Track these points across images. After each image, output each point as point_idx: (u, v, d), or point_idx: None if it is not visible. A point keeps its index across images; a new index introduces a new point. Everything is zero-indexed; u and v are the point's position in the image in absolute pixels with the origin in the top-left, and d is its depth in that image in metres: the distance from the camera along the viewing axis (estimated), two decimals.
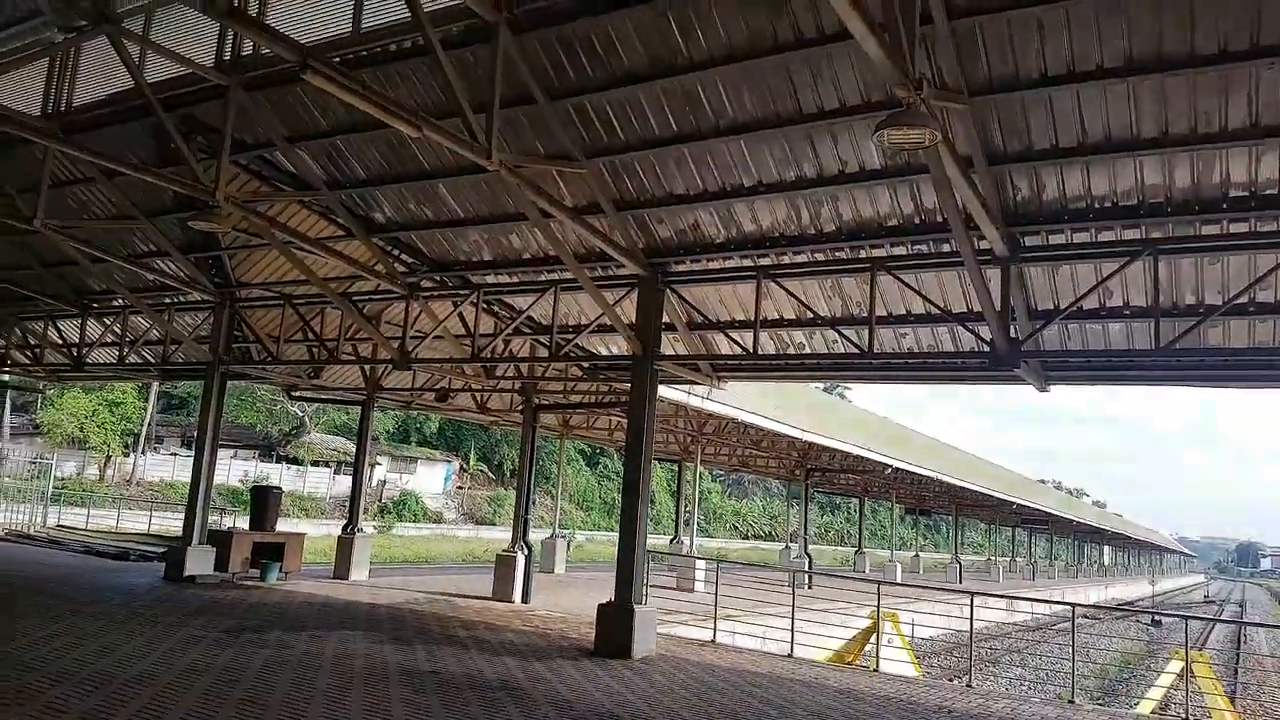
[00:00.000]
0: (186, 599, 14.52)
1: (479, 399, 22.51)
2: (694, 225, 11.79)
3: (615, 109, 10.36)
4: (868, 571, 38.31)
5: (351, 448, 40.10)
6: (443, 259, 14.41)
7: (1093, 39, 7.92)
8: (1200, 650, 23.95)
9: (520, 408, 20.18)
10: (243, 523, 22.64)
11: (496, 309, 15.66)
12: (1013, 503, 48.56)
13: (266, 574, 17.99)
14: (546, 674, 10.45)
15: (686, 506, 33.00)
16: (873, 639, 15.93)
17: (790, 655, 13.86)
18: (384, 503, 50.18)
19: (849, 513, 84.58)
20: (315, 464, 51.23)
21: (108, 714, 7.15)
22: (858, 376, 15.37)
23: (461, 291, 14.82)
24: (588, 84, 10.09)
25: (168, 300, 18.92)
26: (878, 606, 15.41)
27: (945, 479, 37.71)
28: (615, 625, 12.23)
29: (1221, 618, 49.23)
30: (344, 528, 20.90)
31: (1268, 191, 8.82)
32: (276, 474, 45.82)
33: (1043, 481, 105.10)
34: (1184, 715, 11.77)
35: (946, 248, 10.65)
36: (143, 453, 46.65)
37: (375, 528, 41.17)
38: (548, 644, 12.81)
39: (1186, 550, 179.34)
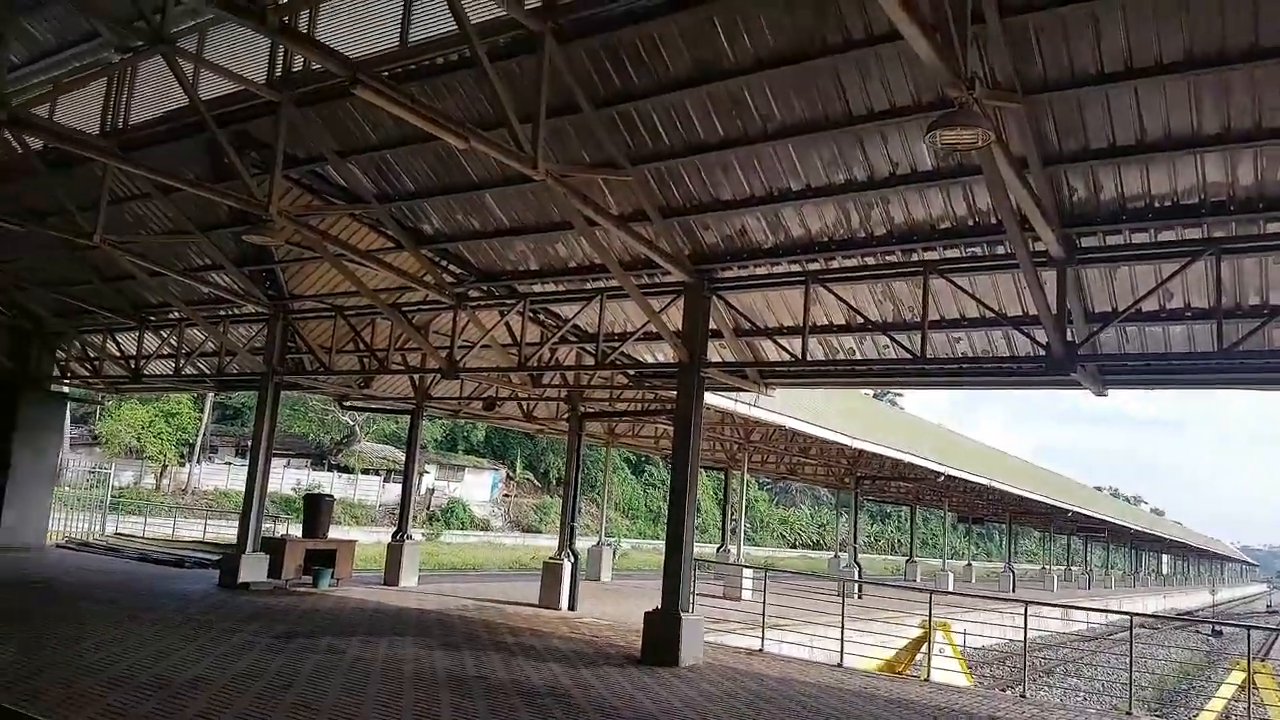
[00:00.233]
0: (241, 605, 14.72)
1: (525, 407, 22.61)
2: (741, 231, 11.73)
3: (661, 115, 10.35)
4: (919, 581, 37.79)
5: (400, 456, 40.49)
6: (490, 269, 14.50)
7: (1151, 34, 7.74)
8: (1263, 661, 23.20)
9: (566, 416, 20.23)
10: (295, 530, 22.87)
11: (543, 318, 15.71)
12: (1068, 510, 47.57)
13: (319, 580, 18.21)
14: (593, 681, 10.43)
15: (733, 515, 32.83)
16: (924, 648, 15.68)
17: (840, 665, 13.68)
18: (432, 510, 50.57)
19: (899, 521, 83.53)
20: (365, 472, 51.83)
21: (164, 718, 7.26)
22: (909, 382, 15.19)
23: (508, 301, 14.89)
24: (633, 91, 10.10)
25: (222, 313, 19.28)
26: (929, 615, 15.16)
27: (999, 486, 37.07)
28: (662, 633, 12.16)
29: None
30: (393, 535, 21.11)
31: None
32: (328, 482, 46.40)
33: (1099, 488, 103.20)
34: None
35: (1001, 250, 10.47)
36: (198, 462, 47.53)
37: (424, 535, 41.47)
38: (594, 651, 12.79)
39: (1249, 559, 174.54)
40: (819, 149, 10.08)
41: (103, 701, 7.60)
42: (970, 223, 10.33)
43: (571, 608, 17.93)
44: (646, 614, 12.55)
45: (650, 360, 15.90)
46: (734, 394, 16.12)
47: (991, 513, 50.46)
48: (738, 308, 13.13)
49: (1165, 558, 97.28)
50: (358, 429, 53.18)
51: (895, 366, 13.05)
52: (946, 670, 15.42)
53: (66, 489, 31.34)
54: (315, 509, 20.47)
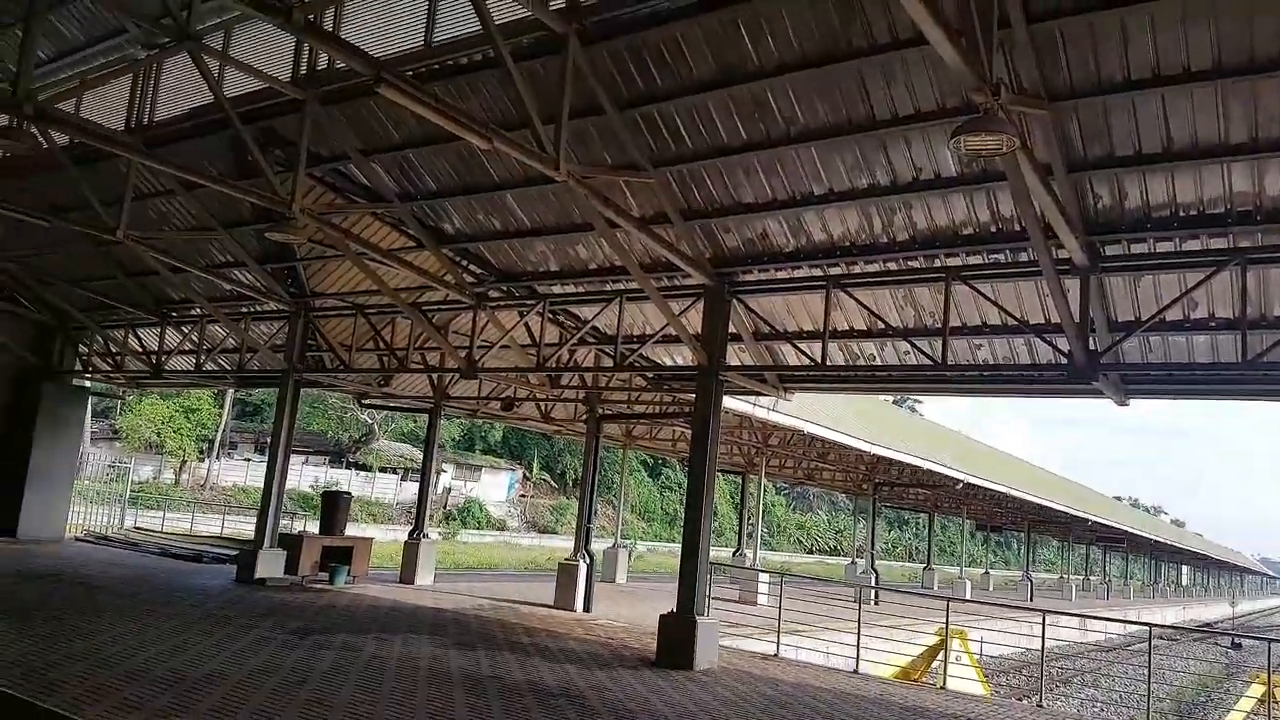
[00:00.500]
0: (257, 601, 14.80)
1: (543, 408, 22.63)
2: (762, 234, 11.69)
3: (684, 118, 10.33)
4: (936, 588, 37.57)
5: (418, 455, 40.62)
6: (510, 269, 14.52)
7: (1179, 41, 7.65)
8: None
9: (584, 417, 20.23)
10: (313, 527, 23.00)
11: (562, 319, 15.72)
12: (1087, 520, 47.21)
13: (335, 577, 18.29)
14: (608, 683, 10.41)
15: (750, 519, 32.74)
16: (940, 656, 15.59)
17: (855, 671, 13.63)
18: (449, 509, 50.70)
19: (917, 528, 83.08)
20: (383, 470, 52.01)
21: (179, 711, 7.29)
22: (930, 389, 15.07)
23: (528, 301, 14.91)
24: (656, 93, 10.09)
25: (244, 310, 19.40)
26: (946, 623, 15.06)
27: (1019, 494, 36.81)
28: (677, 636, 12.13)
29: None
30: (410, 533, 21.16)
31: None
32: (346, 480, 46.59)
33: (1118, 498, 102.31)
34: None
35: (1024, 257, 10.39)
36: (217, 458, 47.86)
37: (440, 534, 41.60)
38: (609, 653, 12.77)
39: (1270, 571, 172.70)
40: (842, 153, 10.03)
41: (120, 694, 7.65)
42: (993, 229, 10.26)
43: (587, 609, 17.93)
44: (662, 617, 12.53)
45: (669, 363, 15.89)
46: (752, 398, 16.07)
47: (1010, 521, 50.10)
48: (758, 311, 13.07)
49: (1185, 569, 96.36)
50: (376, 427, 53.39)
51: (916, 373, 12.95)
52: (963, 679, 15.34)
53: (86, 483, 31.66)
54: (333, 506, 20.58)
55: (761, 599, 22.03)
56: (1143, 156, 8.72)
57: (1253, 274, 9.53)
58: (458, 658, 11.12)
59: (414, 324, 16.31)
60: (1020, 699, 20.34)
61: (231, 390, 44.98)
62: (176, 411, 43.93)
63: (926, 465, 28.18)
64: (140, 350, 22.01)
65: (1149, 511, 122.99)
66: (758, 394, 14.61)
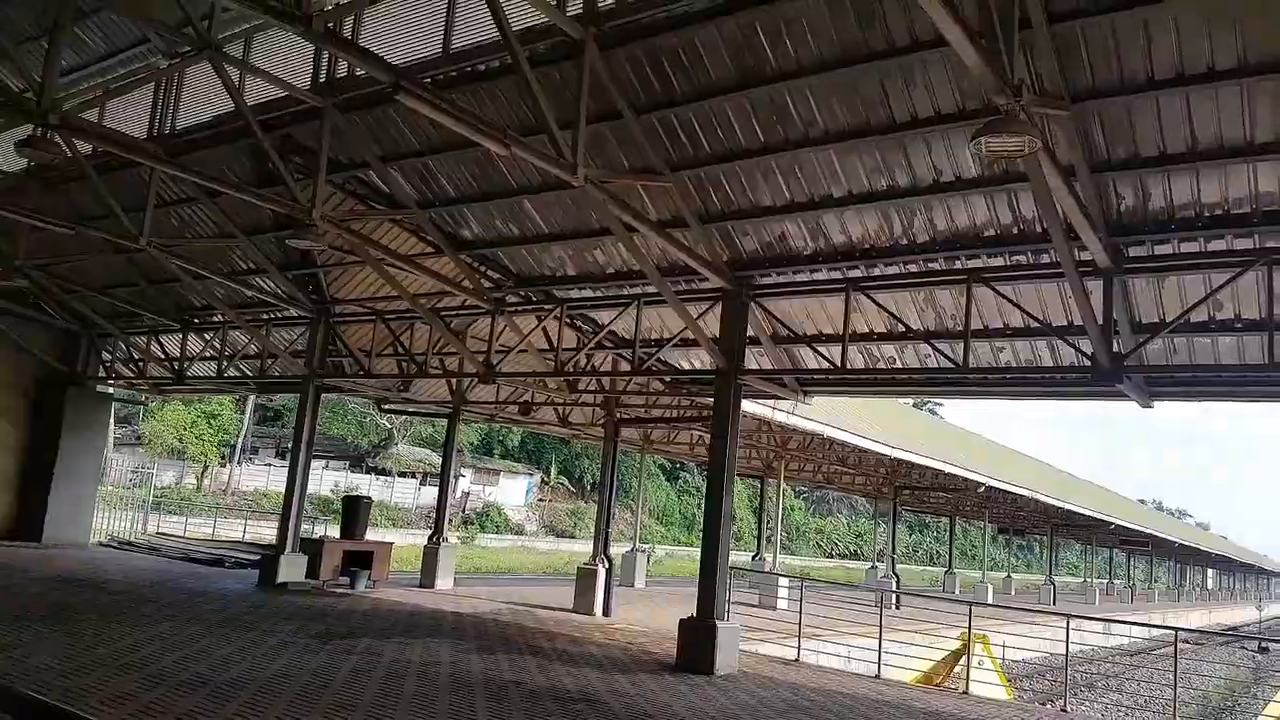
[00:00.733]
0: (279, 605, 14.87)
1: (561, 413, 22.65)
2: (780, 237, 11.65)
3: (701, 122, 10.31)
4: (958, 592, 37.33)
5: (437, 460, 40.73)
6: (528, 274, 14.54)
7: (1203, 40, 7.56)
8: None
9: (602, 421, 20.24)
10: (334, 531, 23.12)
11: (580, 323, 15.72)
12: (1111, 523, 46.80)
13: (356, 582, 18.33)
14: (628, 687, 10.40)
15: (769, 523, 32.65)
16: (962, 661, 15.48)
17: (877, 676, 13.55)
18: (467, 514, 50.80)
19: (938, 532, 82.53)
20: (402, 475, 52.19)
21: (203, 716, 7.32)
22: (951, 392, 15.00)
23: (545, 306, 14.93)
24: (674, 97, 10.08)
25: (265, 316, 19.54)
26: (968, 628, 14.96)
27: (1041, 498, 36.52)
28: (697, 640, 12.09)
29: None
30: (430, 537, 21.25)
31: None
32: (366, 484, 46.77)
33: (1142, 501, 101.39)
34: None
35: (1046, 259, 10.28)
36: (239, 463, 48.20)
37: (459, 538, 41.70)
38: (629, 657, 12.75)
39: None
40: (861, 155, 9.98)
41: (143, 699, 7.68)
42: (1015, 231, 10.16)
43: (606, 613, 17.92)
44: (681, 621, 12.49)
45: (687, 367, 15.86)
46: (771, 401, 16.02)
47: (1032, 525, 49.72)
48: (776, 315, 13.04)
49: (1210, 572, 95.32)
50: (395, 432, 53.61)
51: (937, 376, 12.84)
52: (986, 683, 15.22)
53: (110, 488, 31.92)
54: (353, 510, 20.65)
55: (781, 604, 21.98)
56: (1167, 157, 8.62)
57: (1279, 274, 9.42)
58: (478, 662, 11.13)
59: (433, 329, 16.37)
60: (1044, 704, 20.17)
61: (253, 396, 45.24)
62: (198, 417, 44.26)
63: (948, 469, 28.02)
64: (163, 356, 22.24)
65: (1173, 515, 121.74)
66: (776, 398, 14.55)
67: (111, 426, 43.34)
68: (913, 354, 13.20)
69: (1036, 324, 11.15)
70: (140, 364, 22.99)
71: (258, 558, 20.15)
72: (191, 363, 21.35)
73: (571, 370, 15.38)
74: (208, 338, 21.26)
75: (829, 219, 11.01)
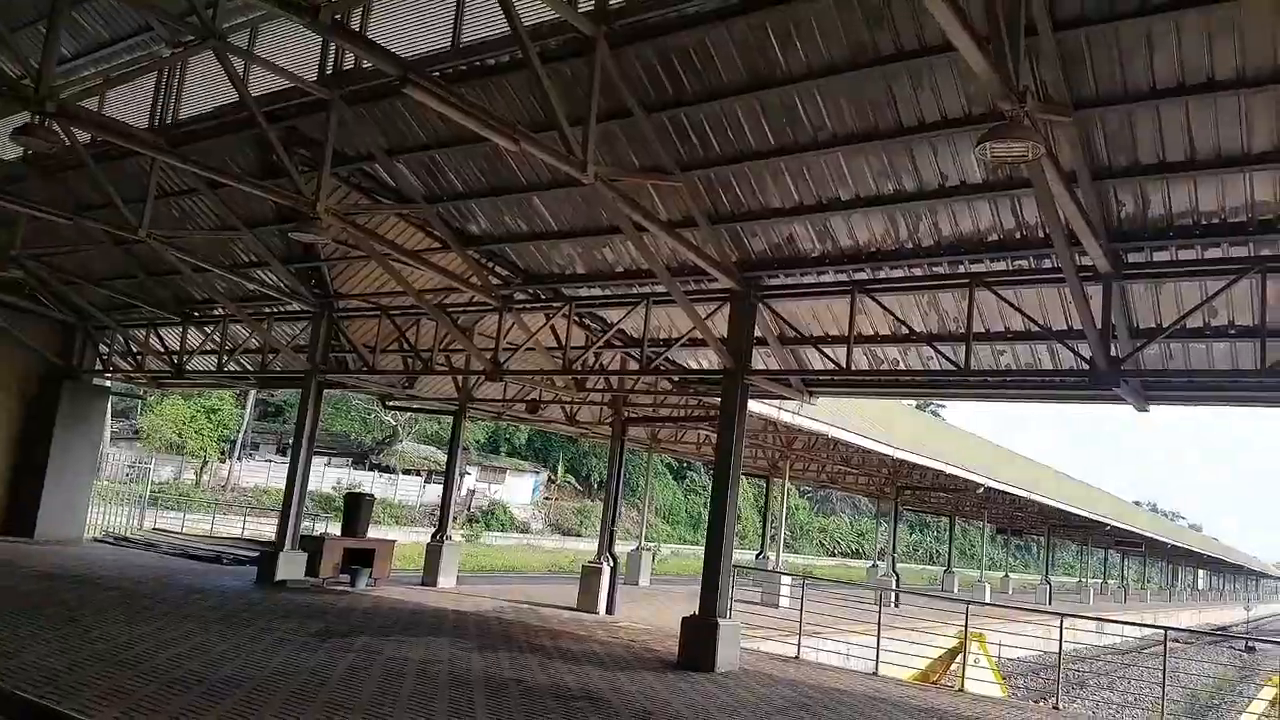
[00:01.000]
0: (277, 602, 14.82)
1: (569, 411, 22.58)
2: (789, 239, 11.64)
3: (712, 122, 10.29)
4: (956, 591, 37.38)
5: (442, 457, 40.72)
6: (536, 272, 14.50)
7: (1204, 51, 7.63)
8: None
9: (609, 420, 20.21)
10: (335, 529, 23.08)
11: (588, 322, 15.69)
12: (1105, 524, 47.02)
13: (356, 579, 18.26)
14: (629, 685, 10.41)
15: (773, 522, 32.67)
16: (958, 659, 15.56)
17: (875, 673, 13.66)
18: (473, 512, 50.72)
19: (938, 531, 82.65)
20: (407, 472, 52.10)
21: (199, 713, 7.28)
22: (953, 394, 15.03)
23: (554, 304, 14.89)
24: (684, 97, 10.06)
25: (267, 310, 19.41)
26: (965, 626, 15.02)
27: (1039, 499, 36.61)
28: (699, 638, 12.12)
29: None
30: (433, 535, 21.21)
31: None
32: (368, 481, 46.63)
33: (1137, 503, 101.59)
34: None
35: (1048, 263, 10.36)
36: (238, 458, 48.11)
37: (464, 536, 41.69)
38: (631, 655, 12.76)
39: None
40: (869, 158, 9.99)
41: (138, 696, 7.62)
42: (1018, 236, 10.23)
43: (609, 612, 17.91)
44: (684, 619, 12.52)
45: (694, 366, 15.83)
46: (777, 401, 16.01)
47: (1030, 525, 49.90)
48: (783, 316, 13.04)
49: (1201, 573, 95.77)
50: (400, 429, 53.40)
51: (939, 377, 12.88)
52: (981, 681, 15.30)
53: (106, 483, 31.77)
54: (355, 508, 20.60)
55: (784, 601, 21.99)
56: (1166, 165, 8.70)
57: (1273, 282, 9.47)
58: (479, 660, 11.11)
59: (439, 326, 16.29)
60: (1037, 701, 20.34)
61: (253, 391, 45.20)
62: (198, 412, 44.11)
63: (949, 470, 28.06)
64: (162, 350, 22.03)
65: (1167, 516, 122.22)
66: (782, 398, 14.54)
67: (108, 420, 43.27)
68: (915, 356, 13.25)
69: (1037, 328, 11.20)
70: (139, 357, 22.78)
71: (256, 555, 20.09)
72: (191, 356, 21.15)
73: (579, 369, 15.35)
74: (208, 331, 21.11)
75: (836, 221, 11.01)
